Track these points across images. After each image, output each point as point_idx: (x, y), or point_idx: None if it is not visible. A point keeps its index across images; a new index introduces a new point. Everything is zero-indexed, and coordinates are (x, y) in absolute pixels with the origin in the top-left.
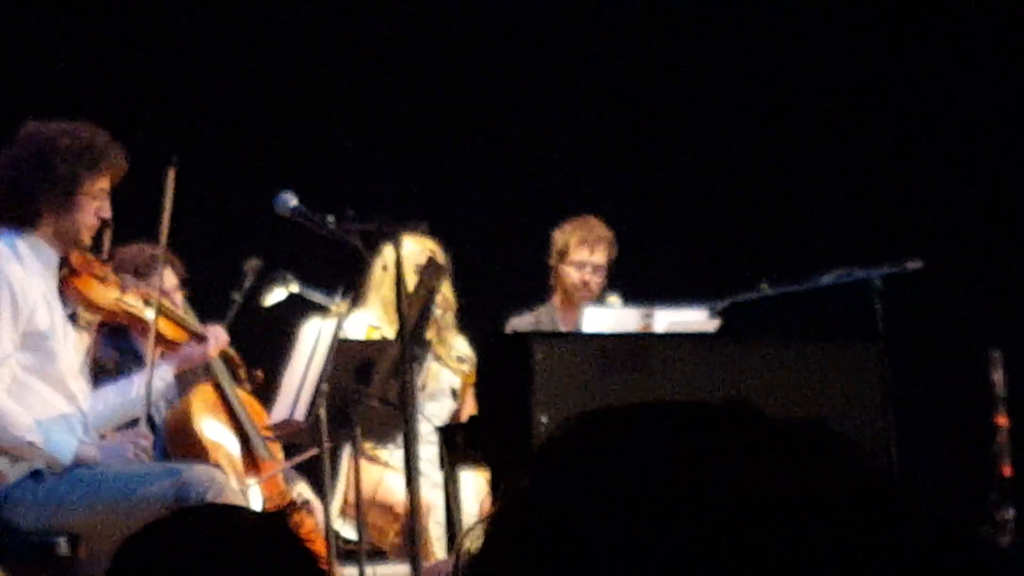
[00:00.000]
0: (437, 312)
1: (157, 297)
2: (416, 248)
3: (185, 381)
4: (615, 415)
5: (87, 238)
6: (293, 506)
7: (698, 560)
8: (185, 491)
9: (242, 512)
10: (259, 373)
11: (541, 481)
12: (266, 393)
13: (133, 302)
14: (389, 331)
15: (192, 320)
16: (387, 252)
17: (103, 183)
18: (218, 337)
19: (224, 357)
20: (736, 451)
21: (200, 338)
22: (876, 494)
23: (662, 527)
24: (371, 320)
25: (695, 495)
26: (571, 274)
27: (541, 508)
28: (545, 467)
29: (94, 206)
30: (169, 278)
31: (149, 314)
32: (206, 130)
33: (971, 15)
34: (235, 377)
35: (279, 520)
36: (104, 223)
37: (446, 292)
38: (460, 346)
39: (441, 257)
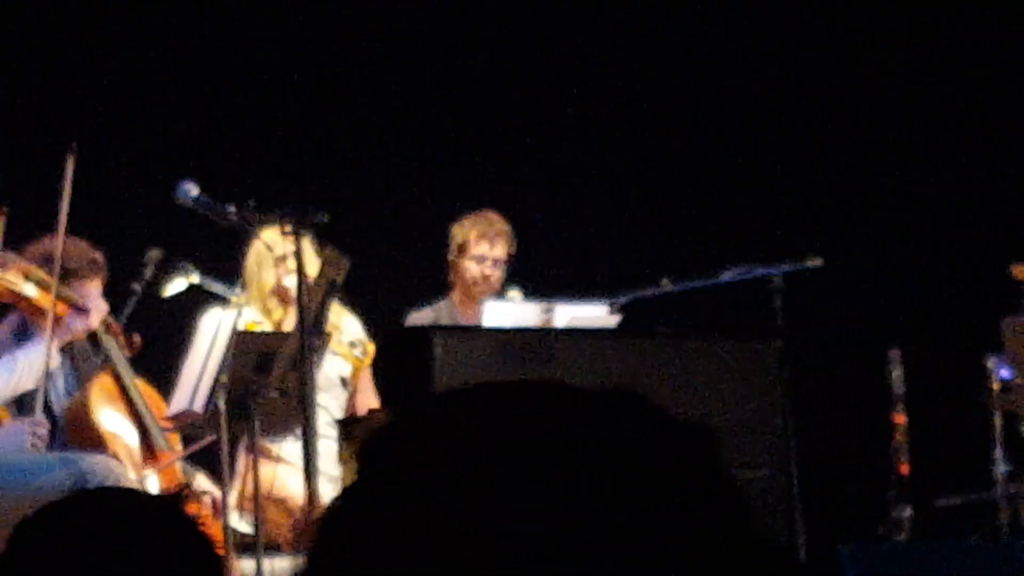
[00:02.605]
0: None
1: (55, 281)
2: (277, 238)
3: (84, 371)
4: (425, 408)
5: None
6: (187, 487)
7: (521, 550)
8: (82, 481)
9: (136, 495)
10: (136, 337)
11: (361, 484)
12: (159, 382)
13: (14, 279)
14: (268, 325)
15: (73, 292)
16: (256, 246)
17: None
18: (99, 307)
19: (103, 325)
20: (543, 427)
21: (81, 309)
22: (686, 468)
23: (478, 516)
24: (252, 315)
25: (510, 483)
26: (471, 268)
27: (361, 509)
28: (366, 470)
29: None
30: (97, 285)
31: (30, 290)
32: (107, 116)
33: (867, 16)
34: (104, 356)
35: (173, 502)
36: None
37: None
38: (352, 329)
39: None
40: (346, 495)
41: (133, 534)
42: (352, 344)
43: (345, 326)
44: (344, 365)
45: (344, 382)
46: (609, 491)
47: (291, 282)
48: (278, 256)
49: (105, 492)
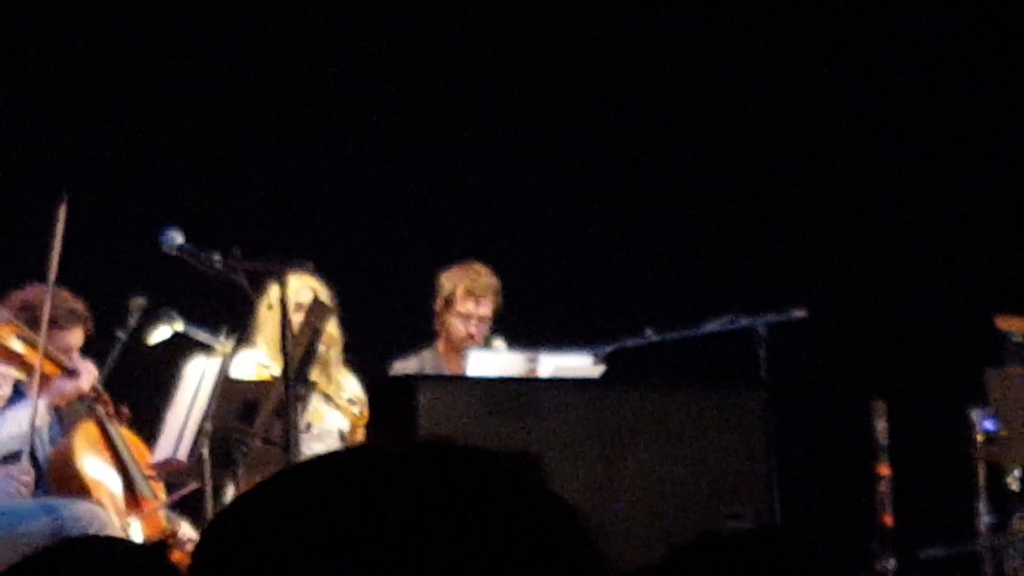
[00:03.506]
0: (322, 349)
1: (43, 337)
2: (297, 285)
3: (69, 418)
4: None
5: None
6: (173, 536)
7: None
8: (66, 528)
9: (121, 543)
10: (125, 409)
11: None
12: (144, 430)
13: (6, 337)
14: (278, 369)
15: (63, 355)
16: (272, 291)
17: None
18: (89, 371)
19: (93, 392)
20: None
21: (71, 372)
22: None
23: None
24: (260, 358)
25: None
26: (456, 325)
27: None
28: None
29: None
30: (78, 336)
31: (19, 347)
32: (93, 165)
33: (841, 66)
34: (88, 404)
35: (158, 551)
36: None
37: (331, 329)
38: (351, 387)
39: (324, 295)
40: None
41: None
42: (351, 401)
43: (345, 383)
44: (343, 419)
45: (342, 436)
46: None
47: None
48: (298, 302)
49: (90, 540)
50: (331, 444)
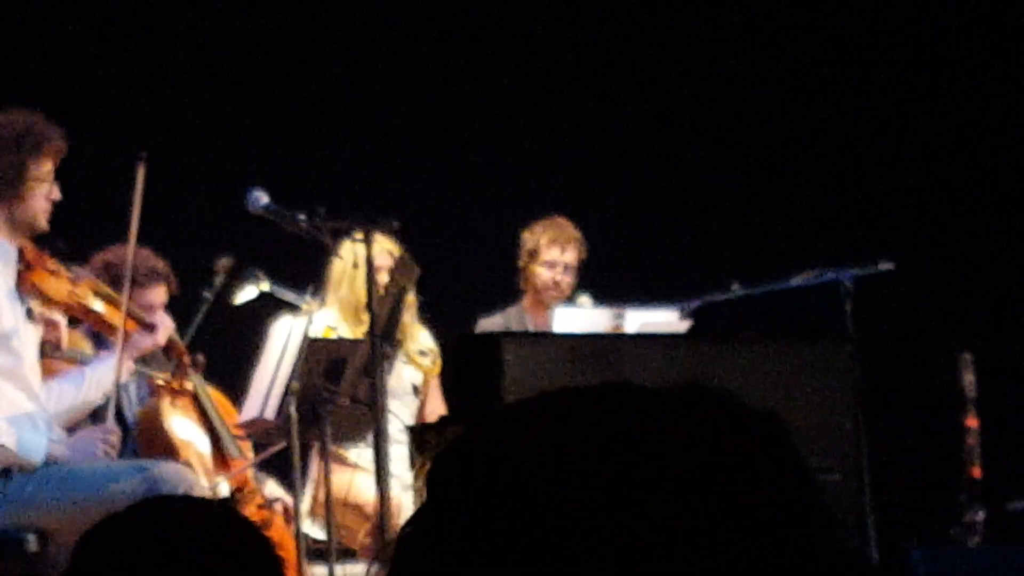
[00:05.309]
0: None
1: (125, 294)
2: (385, 246)
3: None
4: (491, 424)
5: (43, 222)
6: (240, 491)
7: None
8: (155, 489)
9: (189, 500)
10: (200, 357)
11: (429, 510)
12: (231, 389)
13: (83, 294)
14: (346, 331)
15: (138, 309)
16: (344, 251)
17: (48, 165)
18: (166, 324)
19: (168, 342)
20: (613, 438)
21: (148, 326)
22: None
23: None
24: (328, 320)
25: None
26: (542, 274)
27: (430, 537)
28: (433, 495)
29: (43, 190)
30: (160, 294)
31: (99, 306)
32: (177, 125)
33: (934, 19)
34: (176, 362)
35: (229, 506)
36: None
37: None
38: (423, 339)
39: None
40: (415, 521)
41: (192, 539)
42: (422, 353)
43: (418, 336)
44: (416, 373)
45: (416, 390)
46: (688, 493)
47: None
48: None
49: (162, 500)
50: (407, 401)
